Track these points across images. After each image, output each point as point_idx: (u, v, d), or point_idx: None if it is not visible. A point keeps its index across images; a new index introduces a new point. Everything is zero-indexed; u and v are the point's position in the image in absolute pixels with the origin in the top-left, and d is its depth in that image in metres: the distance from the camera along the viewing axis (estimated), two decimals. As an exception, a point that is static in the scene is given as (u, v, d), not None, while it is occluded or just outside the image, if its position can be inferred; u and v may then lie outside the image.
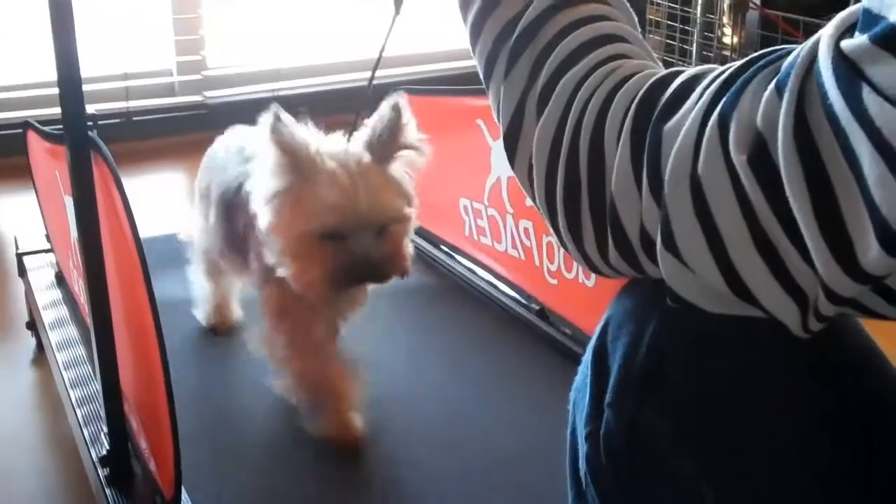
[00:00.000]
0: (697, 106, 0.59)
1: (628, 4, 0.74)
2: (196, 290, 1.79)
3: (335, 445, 1.47)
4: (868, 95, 0.49)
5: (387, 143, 1.36)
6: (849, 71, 0.50)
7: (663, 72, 0.65)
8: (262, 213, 1.35)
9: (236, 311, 1.80)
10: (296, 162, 1.31)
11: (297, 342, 1.47)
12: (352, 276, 1.33)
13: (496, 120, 0.72)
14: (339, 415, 1.48)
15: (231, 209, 1.51)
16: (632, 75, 0.65)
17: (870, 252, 0.51)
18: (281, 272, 1.36)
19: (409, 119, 1.38)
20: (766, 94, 0.55)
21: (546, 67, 0.67)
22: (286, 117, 1.32)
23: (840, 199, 0.52)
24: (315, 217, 1.30)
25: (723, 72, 0.60)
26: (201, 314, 1.80)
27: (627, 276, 0.69)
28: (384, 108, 1.37)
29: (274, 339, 1.48)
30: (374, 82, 1.39)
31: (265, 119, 1.31)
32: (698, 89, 0.60)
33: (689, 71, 0.63)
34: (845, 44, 0.52)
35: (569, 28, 0.69)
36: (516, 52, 0.69)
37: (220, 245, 1.59)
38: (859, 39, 0.51)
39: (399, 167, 1.38)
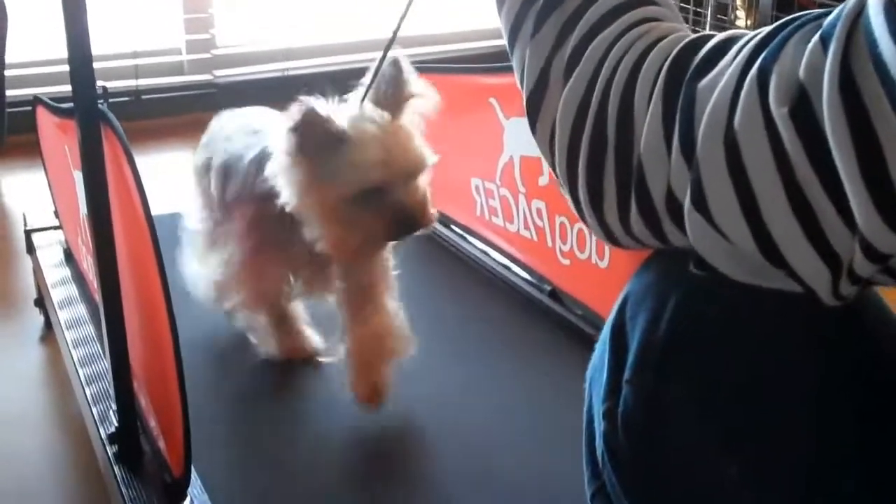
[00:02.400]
0: (735, 63, 0.58)
1: None
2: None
3: (290, 360, 1.60)
4: None
5: (393, 97, 1.40)
6: None
7: (695, 35, 0.64)
8: (295, 194, 1.36)
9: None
10: (331, 135, 1.33)
11: (258, 286, 1.54)
12: (393, 229, 1.37)
13: (519, 84, 0.71)
14: (292, 332, 1.61)
15: (227, 176, 1.52)
16: (664, 37, 0.64)
17: None
18: (320, 245, 1.38)
19: (409, 70, 1.42)
20: (810, 45, 0.54)
21: (577, 30, 0.66)
22: (313, 100, 1.33)
23: (885, 149, 0.51)
24: (358, 177, 1.33)
25: (758, 33, 0.59)
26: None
27: (646, 245, 0.68)
28: (385, 65, 1.40)
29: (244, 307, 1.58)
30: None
31: (295, 105, 1.32)
32: (734, 48, 0.59)
33: (722, 34, 0.62)
34: None
35: None
36: (545, 13, 0.68)
37: (214, 211, 1.59)
38: None
39: (408, 118, 1.41)
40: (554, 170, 0.69)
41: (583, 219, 0.69)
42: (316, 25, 3.61)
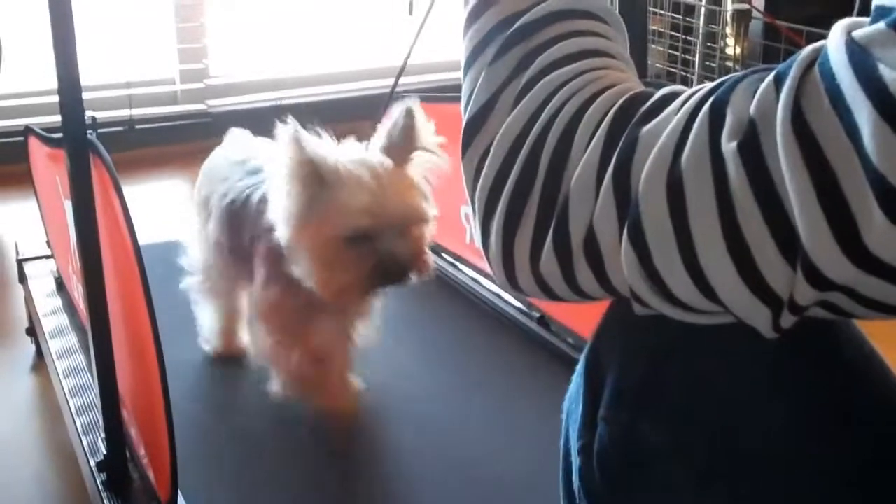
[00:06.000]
0: (683, 108, 0.59)
1: (625, 28, 0.75)
2: (200, 314, 1.72)
3: (335, 421, 1.51)
4: (885, 69, 0.50)
5: (402, 147, 1.38)
6: (863, 53, 0.51)
7: (642, 88, 0.65)
8: (285, 227, 1.35)
9: (244, 336, 1.72)
10: (318, 172, 1.32)
11: (293, 350, 1.47)
12: (380, 277, 1.35)
13: (463, 106, 0.71)
14: (336, 388, 1.52)
15: (236, 220, 1.51)
16: (614, 85, 0.65)
17: (873, 223, 0.50)
18: (307, 283, 1.37)
19: (423, 122, 1.40)
20: (764, 84, 0.55)
21: (535, 65, 0.67)
22: (302, 131, 1.32)
23: (840, 176, 0.52)
24: (345, 221, 1.32)
25: (704, 86, 0.61)
26: (206, 342, 1.73)
27: (544, 288, 0.67)
28: (397, 113, 1.39)
29: (271, 346, 1.48)
30: (377, 91, 1.39)
31: (283, 133, 1.31)
32: (680, 99, 0.60)
33: (667, 88, 0.63)
34: (857, 32, 0.52)
35: (566, 35, 0.69)
36: (510, 44, 0.69)
37: (223, 258, 1.58)
38: (874, 26, 0.51)
39: (416, 169, 1.40)
40: (472, 196, 0.69)
41: (484, 248, 0.69)
42: (309, 55, 3.63)
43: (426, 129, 1.41)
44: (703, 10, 3.23)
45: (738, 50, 3.21)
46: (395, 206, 1.34)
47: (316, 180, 1.32)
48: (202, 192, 1.62)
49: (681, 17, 3.27)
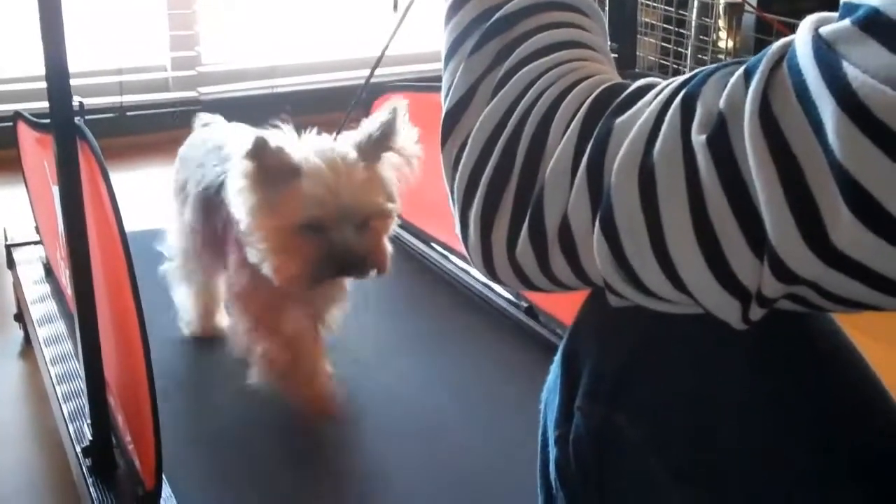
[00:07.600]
0: (656, 101, 0.60)
1: (604, 20, 0.75)
2: (178, 297, 1.74)
3: (312, 412, 1.50)
4: (848, 66, 0.50)
5: (376, 143, 1.39)
6: (828, 50, 0.52)
7: (617, 80, 0.66)
8: (244, 214, 1.37)
9: (222, 318, 1.75)
10: (276, 169, 1.33)
11: (271, 338, 1.48)
12: (332, 267, 1.36)
13: (443, 97, 0.72)
14: (313, 383, 1.50)
15: (210, 208, 1.52)
16: (590, 76, 0.66)
17: (839, 218, 0.51)
18: (263, 268, 1.38)
19: (404, 124, 1.41)
20: (733, 78, 0.56)
21: (513, 56, 0.68)
22: (270, 134, 1.33)
23: (805, 170, 0.52)
24: (298, 210, 1.33)
25: (677, 78, 0.61)
26: (185, 325, 1.76)
27: (520, 277, 0.67)
28: (382, 110, 1.40)
29: (248, 335, 1.49)
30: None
31: (248, 141, 1.32)
32: (655, 90, 0.61)
33: (642, 80, 0.64)
34: (823, 29, 0.53)
35: (545, 27, 0.69)
36: (488, 36, 0.69)
37: (197, 244, 1.59)
38: (840, 23, 0.52)
39: (386, 167, 1.41)
40: (451, 186, 0.69)
41: (463, 237, 0.69)
42: (302, 43, 3.62)
43: (406, 131, 1.41)
44: (695, 2, 3.23)
45: (731, 43, 3.22)
46: (350, 198, 1.34)
47: (283, 173, 1.34)
48: (179, 177, 1.64)
49: (673, 9, 3.27)
